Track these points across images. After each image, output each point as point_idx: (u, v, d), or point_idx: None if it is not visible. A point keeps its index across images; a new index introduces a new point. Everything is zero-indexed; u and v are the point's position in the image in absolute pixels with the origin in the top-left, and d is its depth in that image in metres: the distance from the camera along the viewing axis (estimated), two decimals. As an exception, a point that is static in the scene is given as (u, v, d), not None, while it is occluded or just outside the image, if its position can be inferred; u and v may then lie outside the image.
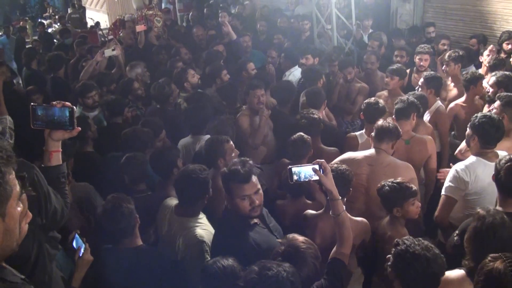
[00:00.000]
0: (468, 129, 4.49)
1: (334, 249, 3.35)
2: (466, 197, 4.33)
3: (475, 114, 4.50)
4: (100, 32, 13.15)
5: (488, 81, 5.96)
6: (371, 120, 5.21)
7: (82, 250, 3.54)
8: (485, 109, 5.43)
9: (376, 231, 4.22)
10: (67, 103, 2.89)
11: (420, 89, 6.10)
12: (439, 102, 6.16)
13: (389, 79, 6.56)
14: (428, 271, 2.85)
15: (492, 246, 2.94)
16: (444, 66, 6.96)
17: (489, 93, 5.63)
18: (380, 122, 4.66)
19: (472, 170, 4.27)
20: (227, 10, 12.18)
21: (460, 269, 3.14)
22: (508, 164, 3.58)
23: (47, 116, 2.86)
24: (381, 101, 5.52)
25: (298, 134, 4.94)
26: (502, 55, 7.53)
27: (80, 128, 2.97)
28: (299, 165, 3.42)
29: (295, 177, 3.36)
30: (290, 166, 3.40)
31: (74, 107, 2.91)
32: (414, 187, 4.08)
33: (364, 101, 5.60)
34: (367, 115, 5.40)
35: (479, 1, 9.49)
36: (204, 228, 3.93)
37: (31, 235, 2.50)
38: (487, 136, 4.32)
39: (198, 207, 4.07)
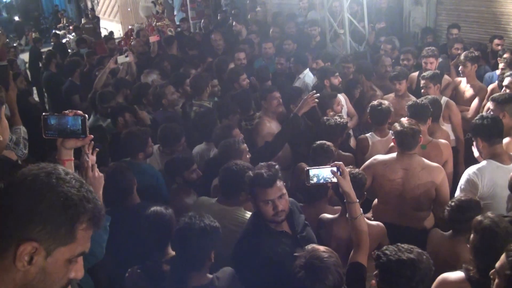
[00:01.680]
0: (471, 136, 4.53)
1: (352, 253, 3.33)
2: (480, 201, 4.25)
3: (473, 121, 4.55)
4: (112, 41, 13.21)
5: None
6: (378, 122, 5.46)
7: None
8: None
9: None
10: (79, 111, 2.90)
11: (426, 90, 6.12)
12: (445, 97, 6.22)
13: (398, 85, 6.52)
14: (417, 273, 2.78)
15: (494, 252, 2.88)
16: (460, 67, 6.89)
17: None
18: (399, 128, 4.56)
19: (484, 173, 4.24)
20: (239, 16, 12.18)
21: (459, 270, 3.10)
22: None
23: (60, 125, 2.86)
24: (384, 102, 5.54)
25: (320, 142, 4.92)
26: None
27: (92, 136, 2.98)
28: (317, 167, 3.40)
29: (312, 180, 3.34)
30: (307, 168, 3.39)
31: (86, 116, 2.91)
32: None
33: (369, 105, 5.63)
34: (373, 117, 5.51)
35: (493, 3, 9.39)
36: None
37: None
38: (488, 132, 4.32)
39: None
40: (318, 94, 5.38)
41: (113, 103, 6.62)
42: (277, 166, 3.42)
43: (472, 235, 3.14)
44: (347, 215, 3.40)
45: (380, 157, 4.80)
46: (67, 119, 2.86)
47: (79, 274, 1.82)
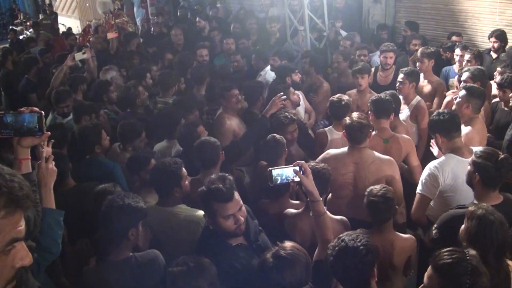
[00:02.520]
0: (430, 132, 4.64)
1: (317, 251, 3.34)
2: (441, 194, 4.37)
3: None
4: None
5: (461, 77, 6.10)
6: (337, 116, 5.49)
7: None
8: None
9: None
10: (35, 108, 2.83)
11: (401, 85, 6.15)
12: (418, 97, 6.25)
13: (360, 79, 6.59)
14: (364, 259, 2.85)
15: (489, 238, 3.02)
16: (417, 63, 7.00)
17: (460, 86, 5.70)
18: (348, 121, 4.64)
19: (445, 167, 4.32)
20: (203, 13, 12.10)
21: None
22: (485, 154, 3.68)
23: (16, 123, 2.79)
24: (344, 97, 5.58)
25: (270, 135, 4.94)
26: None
27: (49, 133, 2.91)
28: (280, 167, 3.39)
29: (276, 179, 3.32)
30: (270, 168, 3.35)
31: (43, 112, 2.84)
32: None
33: (329, 99, 5.70)
34: (332, 112, 5.56)
35: (451, 0, 9.57)
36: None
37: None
38: (446, 127, 4.42)
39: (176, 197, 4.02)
40: (285, 96, 5.43)
41: (70, 101, 6.49)
42: (230, 177, 3.29)
43: (465, 225, 3.19)
44: (311, 213, 3.39)
45: (332, 151, 4.85)
46: (23, 117, 2.79)
47: (26, 261, 1.73)
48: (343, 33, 9.88)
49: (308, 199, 3.44)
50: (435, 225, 3.85)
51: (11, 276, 1.71)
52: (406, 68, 6.43)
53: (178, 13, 13.25)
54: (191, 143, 4.78)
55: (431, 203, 4.47)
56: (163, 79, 6.95)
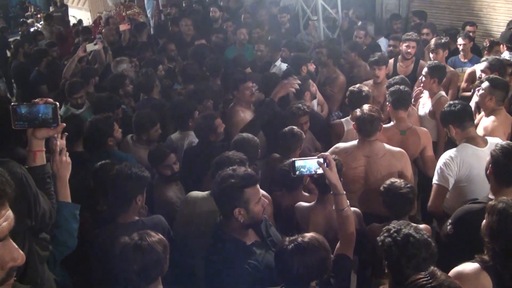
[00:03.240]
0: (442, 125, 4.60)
1: (338, 245, 3.26)
2: (456, 184, 4.33)
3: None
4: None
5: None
6: (356, 107, 5.20)
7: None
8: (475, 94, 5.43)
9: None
10: (49, 99, 2.80)
11: (423, 78, 5.95)
12: (441, 93, 6.00)
13: (378, 71, 6.49)
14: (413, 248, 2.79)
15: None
16: (431, 54, 6.89)
17: (482, 78, 5.57)
18: (358, 113, 4.57)
19: (460, 157, 4.28)
20: (216, 3, 12.01)
21: (472, 262, 3.05)
22: (504, 149, 3.56)
23: (31, 115, 2.76)
24: (365, 88, 5.51)
25: (289, 127, 4.89)
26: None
27: (64, 124, 2.88)
28: (303, 158, 3.34)
29: (298, 171, 3.28)
30: (293, 159, 3.32)
31: (57, 103, 2.81)
32: None
33: (349, 89, 5.60)
34: (351, 102, 5.43)
35: (465, -11, 9.45)
36: None
37: (21, 237, 2.45)
38: (459, 117, 4.37)
39: None
40: (299, 81, 5.36)
41: (83, 92, 6.46)
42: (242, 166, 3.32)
43: (486, 220, 3.09)
44: (333, 207, 3.32)
45: (341, 145, 4.78)
46: (38, 108, 2.78)
47: (18, 261, 1.67)
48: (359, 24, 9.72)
49: (331, 192, 3.34)
50: (449, 221, 3.81)
51: (2, 278, 1.65)
52: (431, 62, 6.18)
53: (184, 4, 13.13)
54: (208, 135, 4.73)
55: (447, 195, 4.42)
56: (184, 69, 6.95)
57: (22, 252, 1.68)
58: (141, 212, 3.92)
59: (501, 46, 7.47)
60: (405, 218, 3.91)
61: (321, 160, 3.23)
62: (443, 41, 6.90)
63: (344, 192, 3.27)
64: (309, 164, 3.27)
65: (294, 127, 4.90)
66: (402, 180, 3.99)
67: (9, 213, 1.65)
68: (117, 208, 3.67)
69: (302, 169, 3.28)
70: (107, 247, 3.24)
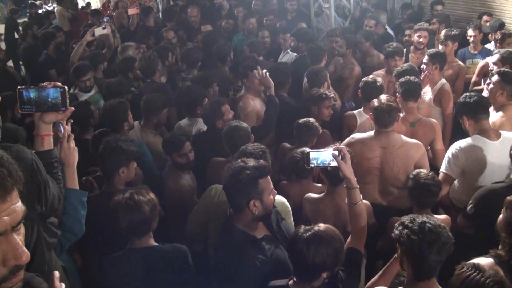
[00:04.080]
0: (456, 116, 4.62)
1: (349, 239, 3.22)
2: (465, 175, 4.34)
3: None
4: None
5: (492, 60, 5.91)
6: (370, 99, 5.15)
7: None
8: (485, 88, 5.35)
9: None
10: (58, 83, 2.77)
11: (424, 66, 5.93)
12: (444, 80, 6.03)
13: (399, 61, 6.37)
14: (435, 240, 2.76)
15: None
16: (441, 46, 6.81)
17: (493, 71, 5.49)
18: (376, 103, 4.50)
19: (470, 148, 4.29)
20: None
21: (486, 257, 3.03)
22: None
23: (40, 99, 2.73)
24: (379, 79, 5.43)
25: (305, 119, 4.86)
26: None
27: (73, 108, 2.85)
28: (317, 150, 3.32)
29: (312, 163, 3.25)
30: (308, 151, 3.31)
31: (66, 87, 2.77)
32: None
33: (362, 80, 5.52)
34: (365, 94, 5.33)
35: (479, -21, 9.31)
36: None
37: (29, 223, 2.41)
38: (474, 109, 4.36)
39: None
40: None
41: (91, 75, 6.43)
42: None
43: (503, 215, 3.08)
44: (342, 199, 3.29)
45: (357, 135, 4.72)
46: (48, 92, 2.74)
47: (21, 260, 1.55)
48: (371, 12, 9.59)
49: (344, 185, 3.28)
50: (470, 201, 3.83)
51: (3, 275, 1.54)
52: (431, 50, 6.21)
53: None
54: (215, 122, 4.72)
55: (455, 186, 4.45)
56: (187, 54, 6.87)
57: (27, 251, 1.57)
58: (135, 180, 4.27)
59: (489, 35, 7.52)
60: (427, 210, 3.93)
61: (336, 152, 3.18)
62: (453, 33, 6.79)
63: (358, 186, 3.22)
64: (323, 156, 3.24)
65: (310, 119, 4.87)
66: (428, 172, 4.03)
67: (15, 207, 1.53)
68: (104, 178, 4.03)
69: (316, 161, 3.25)
70: (92, 212, 3.39)
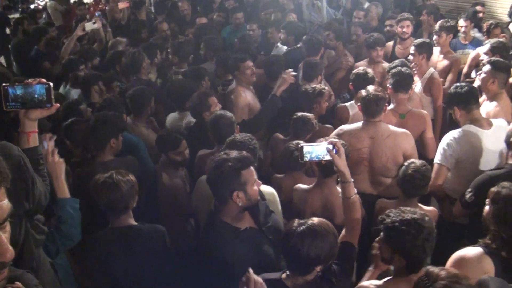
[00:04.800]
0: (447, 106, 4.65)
1: (343, 233, 3.21)
2: (458, 165, 4.35)
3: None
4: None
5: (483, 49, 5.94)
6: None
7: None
8: (473, 74, 5.40)
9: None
10: (42, 79, 2.75)
11: (411, 57, 5.98)
12: (432, 69, 6.07)
13: (380, 52, 6.48)
14: (422, 231, 2.77)
15: None
16: (435, 37, 6.80)
17: (484, 61, 5.50)
18: (364, 93, 4.53)
19: (463, 138, 4.30)
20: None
21: (475, 247, 3.04)
22: None
23: (27, 95, 2.72)
24: (369, 70, 5.43)
25: (303, 114, 4.86)
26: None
27: (58, 105, 2.85)
28: (311, 144, 3.30)
29: (306, 156, 3.24)
30: (301, 144, 3.28)
31: (51, 83, 2.76)
32: None
33: (353, 72, 5.51)
34: (357, 85, 5.32)
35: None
36: None
37: (17, 220, 2.43)
38: (464, 99, 4.37)
39: None
40: (295, 73, 5.37)
41: (83, 69, 6.42)
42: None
43: (490, 207, 3.08)
44: (340, 195, 3.28)
45: (345, 127, 4.74)
46: (34, 88, 2.73)
47: (5, 257, 1.62)
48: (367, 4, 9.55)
49: (338, 180, 3.30)
50: (469, 189, 3.84)
51: None
52: (417, 40, 6.26)
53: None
54: (202, 114, 4.70)
55: (449, 176, 4.44)
56: (177, 48, 6.82)
57: (11, 248, 1.61)
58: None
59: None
60: (413, 200, 3.96)
61: (330, 146, 3.17)
62: (447, 24, 6.78)
63: (352, 180, 3.21)
64: (317, 150, 3.22)
65: (308, 114, 4.86)
66: (422, 163, 4.02)
67: (1, 204, 1.57)
68: (96, 149, 4.34)
69: (310, 155, 3.23)
70: (88, 182, 3.57)
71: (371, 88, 4.58)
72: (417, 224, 2.77)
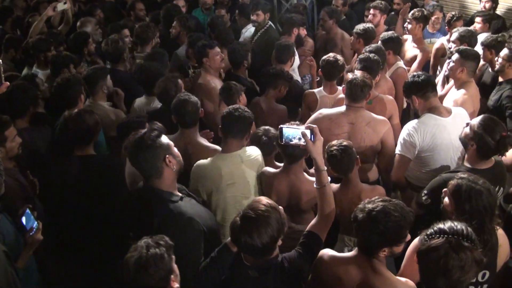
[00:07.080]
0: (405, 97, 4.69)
1: (313, 221, 3.17)
2: (419, 154, 4.38)
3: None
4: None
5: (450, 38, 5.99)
6: (330, 77, 5.31)
7: (34, 230, 3.37)
8: (445, 66, 5.41)
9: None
10: None
11: None
12: (399, 63, 6.02)
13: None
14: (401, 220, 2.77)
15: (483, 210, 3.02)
16: (406, 23, 6.83)
17: (451, 49, 5.53)
18: (351, 77, 4.53)
19: (423, 127, 4.33)
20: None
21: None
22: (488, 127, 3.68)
23: None
24: (340, 57, 5.39)
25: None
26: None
27: (8, 83, 2.77)
28: (291, 127, 3.19)
29: (285, 139, 3.17)
30: (281, 126, 3.19)
31: (0, 61, 2.69)
32: None
33: (322, 58, 5.43)
34: (326, 72, 5.32)
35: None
36: None
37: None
38: (422, 88, 4.39)
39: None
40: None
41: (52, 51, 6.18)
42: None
43: (451, 201, 3.15)
44: (314, 184, 3.18)
45: (325, 111, 4.71)
46: None
47: None
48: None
49: (314, 168, 3.20)
50: (425, 191, 3.86)
51: None
52: (383, 34, 6.14)
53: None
54: (170, 98, 4.60)
55: (411, 164, 4.48)
56: (140, 31, 6.64)
57: None
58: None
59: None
60: (349, 176, 3.97)
61: (308, 132, 3.05)
62: (419, 14, 6.75)
63: (325, 168, 3.14)
64: (295, 134, 3.12)
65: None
66: (339, 142, 3.98)
67: None
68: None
69: (289, 138, 3.15)
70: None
71: (359, 73, 4.61)
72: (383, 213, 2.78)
